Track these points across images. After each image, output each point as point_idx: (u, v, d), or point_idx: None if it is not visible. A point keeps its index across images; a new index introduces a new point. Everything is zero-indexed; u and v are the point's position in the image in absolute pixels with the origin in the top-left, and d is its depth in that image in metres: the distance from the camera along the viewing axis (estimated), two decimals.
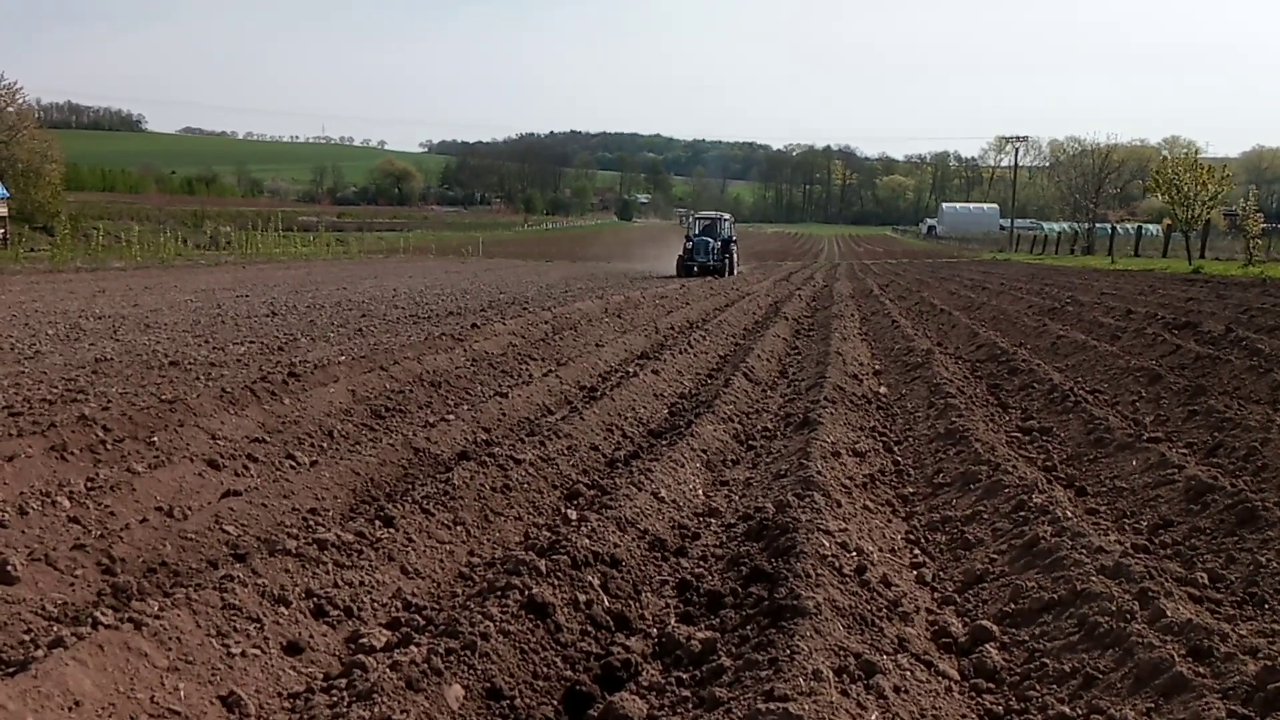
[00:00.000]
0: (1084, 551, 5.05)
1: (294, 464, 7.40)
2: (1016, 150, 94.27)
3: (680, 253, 39.24)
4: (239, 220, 69.96)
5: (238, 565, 4.86)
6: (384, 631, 4.49)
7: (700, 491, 7.02)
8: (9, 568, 4.64)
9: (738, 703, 3.45)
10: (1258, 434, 7.46)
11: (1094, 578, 4.64)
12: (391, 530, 5.39)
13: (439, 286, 28.41)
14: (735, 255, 40.71)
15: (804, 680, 3.44)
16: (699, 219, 43.18)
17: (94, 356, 12.18)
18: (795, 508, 5.66)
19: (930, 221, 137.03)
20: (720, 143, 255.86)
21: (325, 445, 8.07)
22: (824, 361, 12.54)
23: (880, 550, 5.58)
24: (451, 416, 8.83)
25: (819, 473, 6.58)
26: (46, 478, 6.37)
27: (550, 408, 9.96)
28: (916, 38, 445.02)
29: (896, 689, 3.64)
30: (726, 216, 43.13)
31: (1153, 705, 3.57)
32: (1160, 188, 42.43)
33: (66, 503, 5.80)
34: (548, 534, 5.85)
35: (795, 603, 4.18)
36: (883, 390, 11.35)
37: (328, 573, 4.80)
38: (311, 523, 5.99)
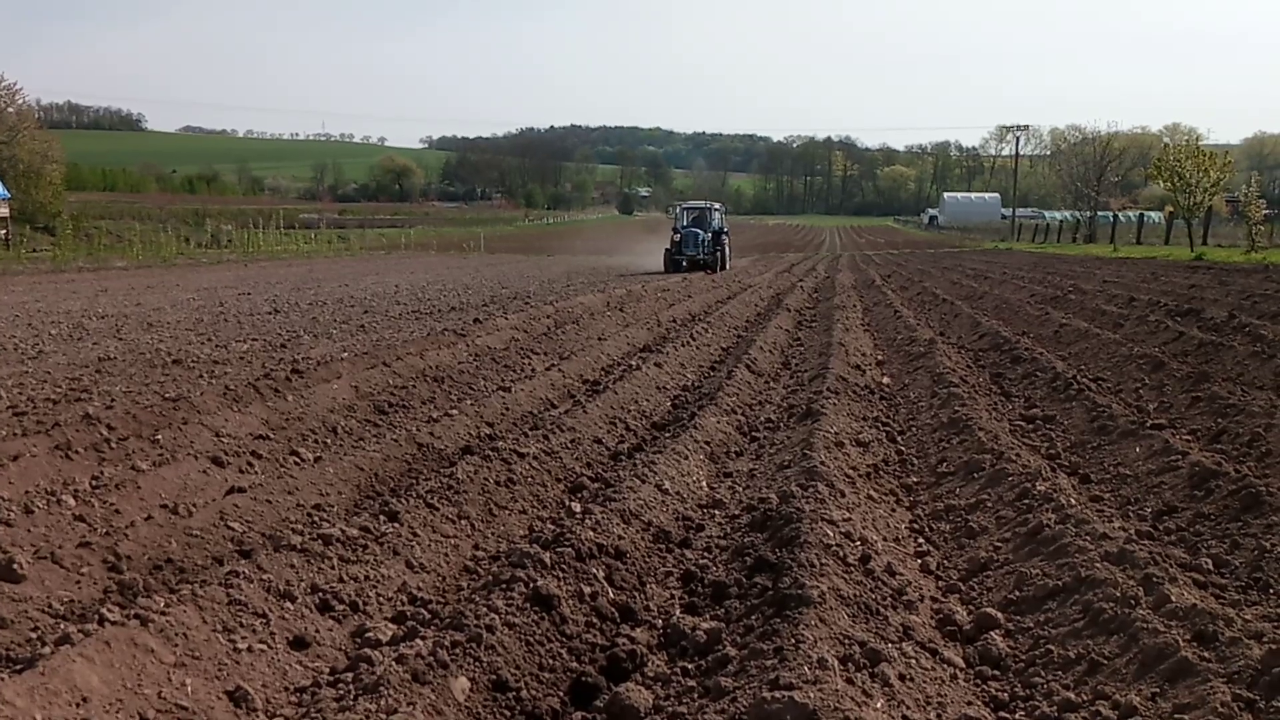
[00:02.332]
0: (1088, 538, 5.05)
1: (298, 460, 7.41)
2: (1017, 139, 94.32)
3: (668, 246, 35.63)
4: (240, 218, 69.86)
5: (243, 561, 4.87)
6: (390, 625, 4.50)
7: (704, 483, 7.02)
8: (15, 566, 4.66)
9: (743, 692, 3.46)
10: (1261, 420, 7.45)
11: (1098, 564, 4.64)
12: (396, 525, 5.40)
13: (441, 282, 28.41)
14: (728, 248, 36.96)
15: (809, 669, 3.44)
16: (687, 209, 38.82)
17: (97, 356, 12.20)
18: (799, 498, 5.66)
19: (932, 212, 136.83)
20: (721, 135, 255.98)
21: (329, 441, 8.08)
22: (826, 352, 12.53)
23: (884, 539, 5.59)
24: (455, 411, 8.84)
25: (822, 463, 6.58)
26: (51, 476, 6.39)
27: (553, 402, 9.97)
28: (916, 27, 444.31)
29: (902, 677, 3.65)
30: (717, 206, 39.10)
31: (1158, 690, 3.57)
32: (1162, 175, 42.38)
33: (72, 501, 5.81)
34: (552, 527, 5.86)
35: (800, 592, 4.18)
36: (886, 380, 11.35)
37: (333, 568, 4.81)
38: (316, 518, 6.00)
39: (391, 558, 5.11)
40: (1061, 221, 78.29)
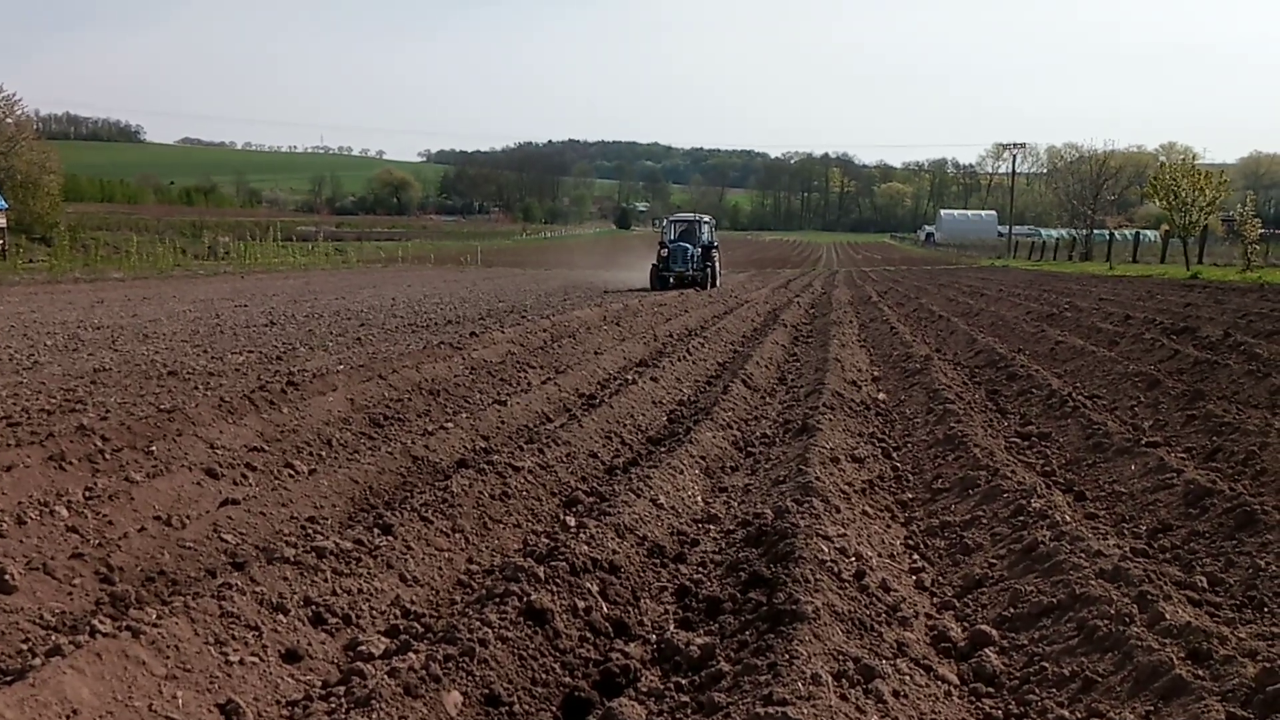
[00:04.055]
0: (1083, 555, 5.05)
1: (293, 473, 7.39)
2: (1014, 157, 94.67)
3: (654, 261, 33.61)
4: (237, 230, 69.92)
5: (236, 574, 4.85)
6: (382, 639, 4.48)
7: (699, 498, 7.01)
8: (7, 577, 4.63)
9: (737, 708, 3.45)
10: (1256, 438, 7.46)
11: (1093, 581, 4.63)
12: (390, 538, 5.38)
13: (437, 295, 28.43)
14: (718, 264, 34.94)
15: (803, 685, 3.44)
16: (675, 221, 36.92)
17: (92, 367, 12.18)
18: (794, 513, 5.66)
19: (928, 228, 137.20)
20: (718, 150, 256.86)
21: (324, 454, 8.07)
22: (823, 368, 12.54)
23: (879, 555, 5.58)
24: (450, 424, 8.83)
25: (818, 479, 6.58)
26: (45, 487, 6.37)
27: (549, 415, 9.96)
28: (913, 45, 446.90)
29: (896, 693, 3.64)
30: (707, 218, 36.94)
31: (1152, 708, 3.56)
32: (1158, 194, 42.57)
33: (65, 512, 5.79)
34: (546, 541, 5.84)
35: (794, 608, 4.17)
36: (881, 397, 11.35)
37: (326, 581, 4.79)
38: (310, 531, 5.98)
39: (385, 571, 5.09)
40: (1058, 239, 78.51)
